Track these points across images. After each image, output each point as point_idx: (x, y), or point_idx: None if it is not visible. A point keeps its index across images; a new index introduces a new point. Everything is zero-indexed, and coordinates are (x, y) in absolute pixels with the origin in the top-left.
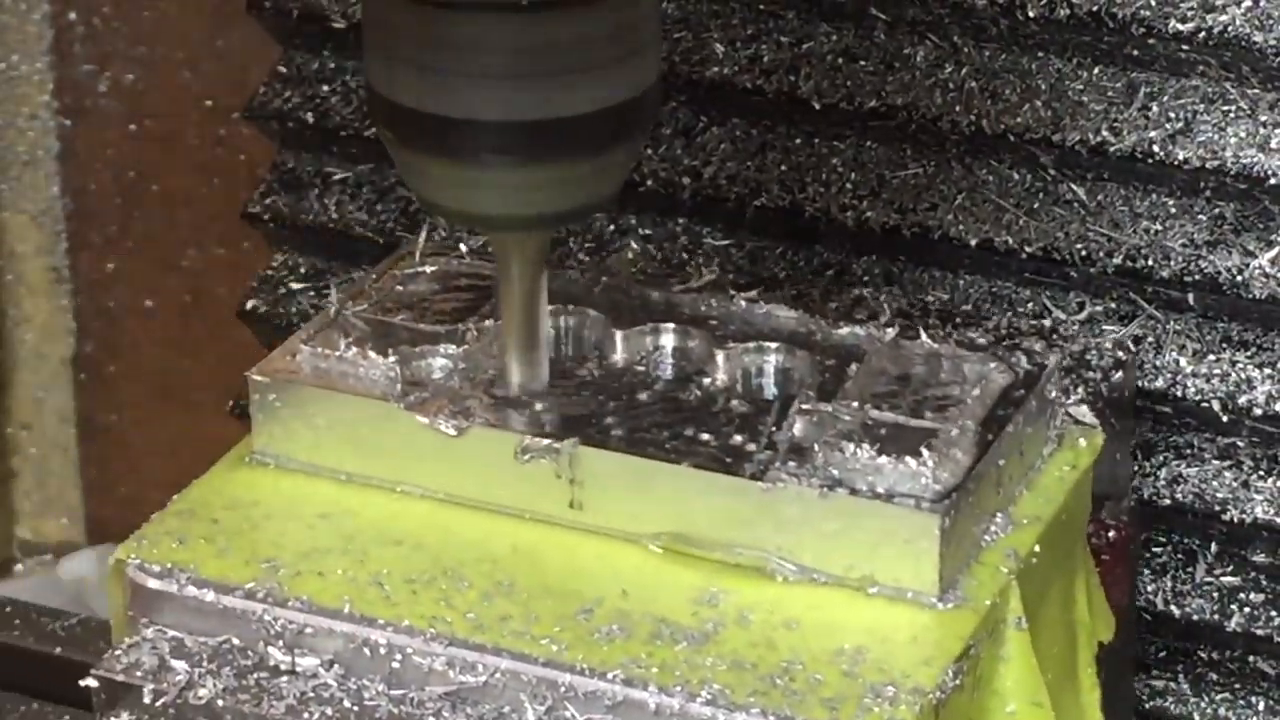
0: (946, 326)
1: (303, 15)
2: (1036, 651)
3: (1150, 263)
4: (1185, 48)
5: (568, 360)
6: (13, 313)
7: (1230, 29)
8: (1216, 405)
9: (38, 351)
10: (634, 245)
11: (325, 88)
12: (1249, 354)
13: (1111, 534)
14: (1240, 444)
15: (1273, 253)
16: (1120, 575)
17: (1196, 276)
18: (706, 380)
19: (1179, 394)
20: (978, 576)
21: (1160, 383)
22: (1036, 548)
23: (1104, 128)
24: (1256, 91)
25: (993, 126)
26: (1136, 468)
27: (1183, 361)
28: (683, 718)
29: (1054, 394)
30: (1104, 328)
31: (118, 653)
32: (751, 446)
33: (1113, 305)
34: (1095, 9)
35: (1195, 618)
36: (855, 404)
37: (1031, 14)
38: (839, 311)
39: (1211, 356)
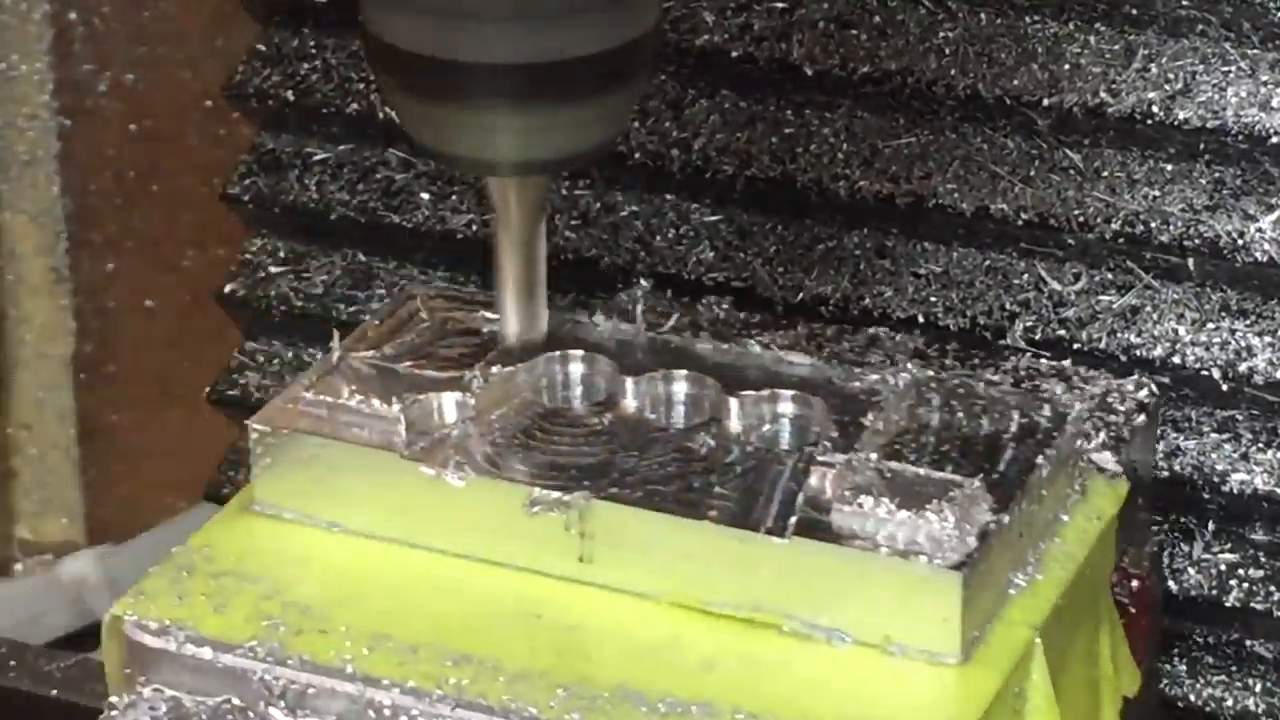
0: (965, 366)
1: None
2: (1060, 708)
3: (1149, 228)
4: (1185, 4)
5: (577, 408)
6: (13, 313)
7: None
8: (1216, 373)
9: (38, 351)
10: (643, 283)
11: (305, 66)
12: (1248, 322)
13: (1135, 584)
14: (1239, 416)
15: (1273, 216)
16: (1144, 627)
17: (1195, 241)
18: (719, 430)
19: (1178, 362)
20: (1000, 634)
21: (1159, 351)
22: (1060, 602)
23: (1102, 89)
24: (1256, 51)
25: (989, 90)
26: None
27: (1181, 330)
28: None
29: (1078, 442)
30: (1100, 298)
31: (113, 713)
32: (767, 500)
33: (1109, 275)
34: None
35: (1193, 594)
36: (873, 455)
37: None
38: (853, 352)
39: (1210, 325)
